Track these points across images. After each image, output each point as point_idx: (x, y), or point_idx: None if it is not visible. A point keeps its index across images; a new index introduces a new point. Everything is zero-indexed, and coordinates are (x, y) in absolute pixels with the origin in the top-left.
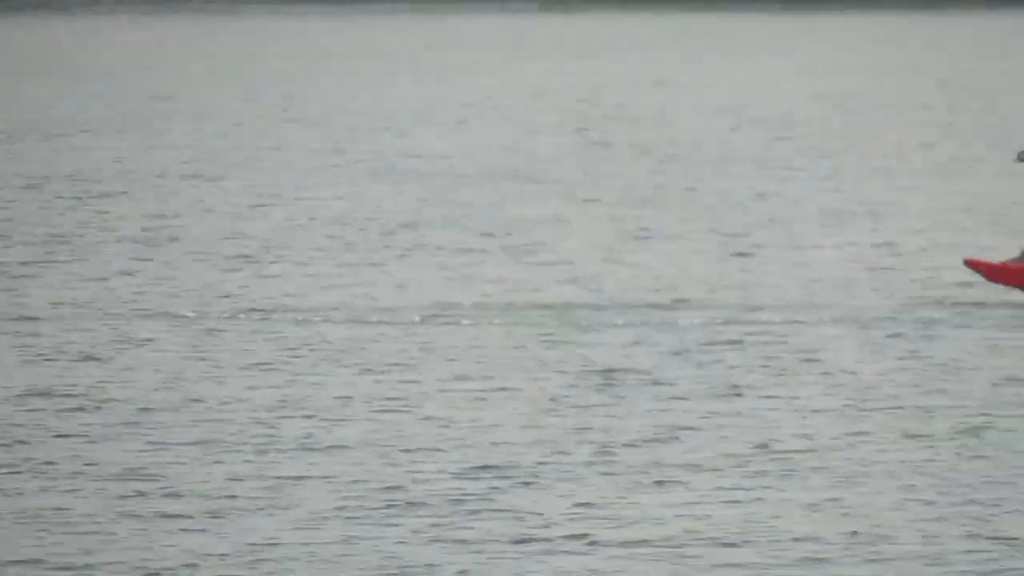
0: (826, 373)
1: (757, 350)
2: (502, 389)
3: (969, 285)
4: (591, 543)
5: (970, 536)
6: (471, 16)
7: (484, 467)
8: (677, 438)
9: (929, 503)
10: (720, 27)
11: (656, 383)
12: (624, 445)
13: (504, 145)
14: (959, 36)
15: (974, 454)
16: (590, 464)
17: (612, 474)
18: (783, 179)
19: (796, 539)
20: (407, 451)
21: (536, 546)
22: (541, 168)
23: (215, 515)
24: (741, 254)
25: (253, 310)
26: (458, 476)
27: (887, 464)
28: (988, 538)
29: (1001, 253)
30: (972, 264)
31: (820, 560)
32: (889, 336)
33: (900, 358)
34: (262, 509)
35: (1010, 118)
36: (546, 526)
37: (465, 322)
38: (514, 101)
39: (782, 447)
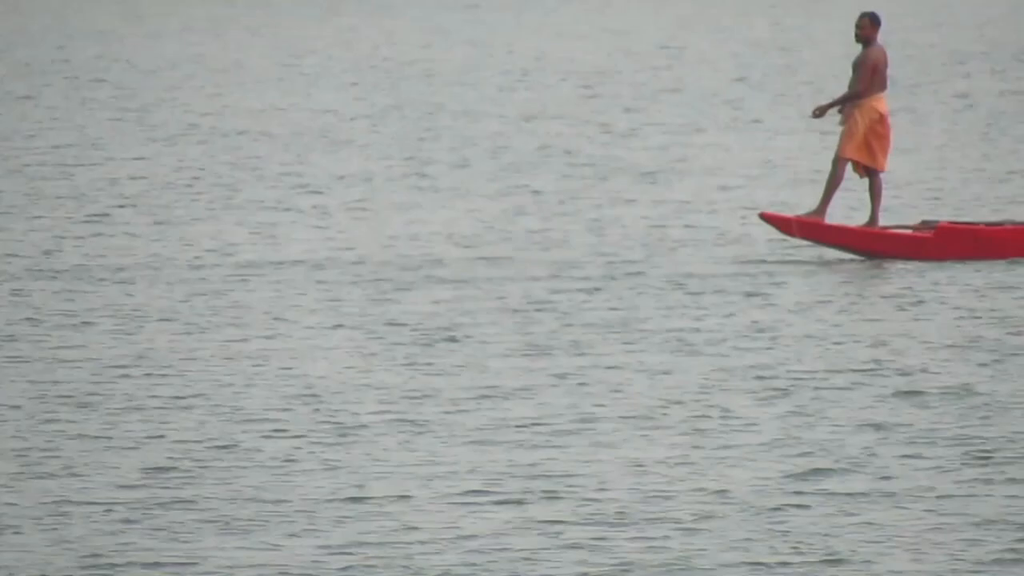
0: (644, 332)
1: (569, 309)
2: (317, 348)
3: (767, 239)
4: (410, 499)
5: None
6: None
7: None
8: (486, 396)
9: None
10: None
11: (484, 342)
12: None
13: (309, 105)
14: None
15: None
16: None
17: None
18: (585, 135)
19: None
20: (238, 407)
21: (359, 505)
22: (345, 127)
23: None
24: (564, 213)
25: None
26: (288, 433)
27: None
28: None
29: (797, 208)
30: (767, 218)
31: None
32: (701, 293)
33: (712, 315)
34: (87, 465)
35: (808, 74)
36: (366, 483)
37: (276, 279)
38: (318, 60)
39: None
